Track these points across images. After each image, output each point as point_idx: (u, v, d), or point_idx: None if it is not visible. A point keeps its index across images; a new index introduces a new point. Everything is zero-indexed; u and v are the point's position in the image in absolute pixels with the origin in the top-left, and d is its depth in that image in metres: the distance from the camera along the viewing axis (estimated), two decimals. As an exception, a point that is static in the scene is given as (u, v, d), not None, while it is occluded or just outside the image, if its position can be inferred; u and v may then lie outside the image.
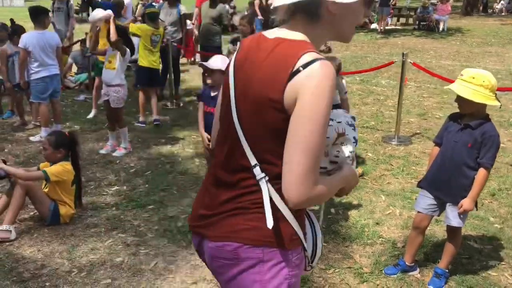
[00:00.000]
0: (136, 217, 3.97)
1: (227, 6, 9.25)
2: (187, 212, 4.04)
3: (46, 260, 3.35)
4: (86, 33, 8.34)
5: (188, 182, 4.69)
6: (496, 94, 2.76)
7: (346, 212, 4.06)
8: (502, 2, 23.77)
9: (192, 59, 11.19)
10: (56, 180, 3.76)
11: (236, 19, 15.64)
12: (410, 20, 18.99)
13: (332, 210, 4.08)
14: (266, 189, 1.37)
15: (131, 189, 4.54)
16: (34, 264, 3.30)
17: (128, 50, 5.28)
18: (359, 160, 5.24)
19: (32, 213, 4.01)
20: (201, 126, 3.97)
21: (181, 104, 7.76)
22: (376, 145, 5.76)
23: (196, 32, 9.22)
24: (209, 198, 1.51)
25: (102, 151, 5.48)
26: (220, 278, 1.52)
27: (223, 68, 3.85)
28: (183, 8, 8.00)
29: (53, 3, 9.49)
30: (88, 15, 20.56)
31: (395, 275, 3.16)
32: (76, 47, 9.19)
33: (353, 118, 1.60)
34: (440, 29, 16.60)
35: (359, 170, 4.80)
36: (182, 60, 10.16)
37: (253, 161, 1.39)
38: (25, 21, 8.01)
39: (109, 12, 5.47)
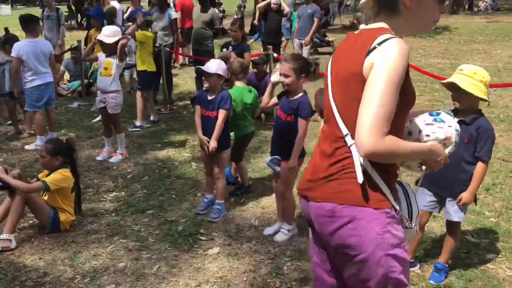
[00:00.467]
0: (136, 222, 3.99)
1: (216, 10, 9.29)
2: (187, 216, 4.07)
3: (48, 268, 3.35)
4: (78, 40, 8.33)
5: (186, 186, 4.71)
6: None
7: (344, 211, 4.10)
8: (486, 0, 24.10)
9: (180, 63, 11.25)
10: (56, 188, 3.77)
11: (225, 23, 15.71)
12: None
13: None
14: (356, 153, 1.61)
15: (129, 194, 4.55)
16: (37, 272, 3.30)
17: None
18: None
19: (31, 222, 4.01)
20: (199, 129, 4.00)
21: (175, 109, 7.78)
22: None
23: (179, 35, 9.31)
24: (314, 167, 1.80)
25: (99, 158, 5.49)
26: (324, 232, 1.73)
27: (220, 72, 3.89)
28: (173, 13, 8.04)
29: (43, 11, 9.48)
30: (77, 22, 20.57)
31: (396, 271, 3.20)
32: (68, 55, 9.17)
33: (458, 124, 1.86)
34: (428, 28, 16.77)
35: None
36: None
37: (345, 131, 1.65)
38: (13, 30, 8.00)
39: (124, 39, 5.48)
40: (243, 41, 6.39)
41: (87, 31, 9.00)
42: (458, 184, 2.92)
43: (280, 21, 9.46)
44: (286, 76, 3.36)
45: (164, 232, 3.80)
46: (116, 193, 4.59)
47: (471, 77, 2.77)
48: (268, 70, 6.84)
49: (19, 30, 5.79)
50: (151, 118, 6.87)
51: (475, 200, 2.99)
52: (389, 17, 1.68)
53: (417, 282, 3.12)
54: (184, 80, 9.85)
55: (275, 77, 3.58)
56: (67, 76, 9.11)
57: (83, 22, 18.40)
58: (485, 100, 2.80)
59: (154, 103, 7.34)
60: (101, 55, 5.35)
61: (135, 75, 8.20)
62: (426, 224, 3.31)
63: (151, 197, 4.47)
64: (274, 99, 3.66)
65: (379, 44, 1.56)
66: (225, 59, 5.30)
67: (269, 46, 7.05)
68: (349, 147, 1.64)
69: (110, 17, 7.64)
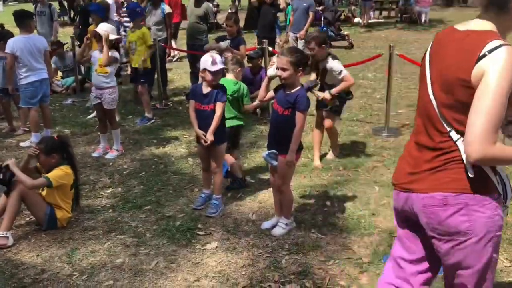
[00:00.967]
0: (133, 218, 3.98)
1: (210, 5, 9.24)
2: (185, 211, 4.06)
3: (46, 265, 3.34)
4: (71, 37, 8.27)
5: (183, 181, 4.70)
6: None
7: (341, 204, 4.12)
8: (481, -8, 24.08)
9: (172, 56, 11.20)
10: (57, 185, 3.75)
11: (220, 18, 15.64)
12: (393, 13, 19.14)
13: (328, 203, 4.13)
14: (462, 147, 1.72)
15: (126, 190, 4.54)
16: (34, 269, 3.29)
17: (117, 55, 5.34)
18: (350, 153, 5.31)
19: (28, 219, 3.99)
20: (195, 124, 3.96)
21: (170, 104, 7.75)
22: (366, 138, 5.83)
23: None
24: (413, 160, 1.91)
25: (95, 154, 5.47)
26: (432, 222, 1.83)
27: (223, 66, 3.92)
28: (167, 8, 8.00)
29: (35, 7, 9.41)
30: (70, 18, 20.40)
31: (394, 264, 3.21)
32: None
33: None
34: (422, 20, 16.76)
35: None
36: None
37: (449, 127, 1.77)
38: (6, 26, 7.91)
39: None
40: (238, 35, 6.37)
41: (80, 27, 8.92)
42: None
43: (275, 15, 9.40)
44: (283, 69, 3.34)
45: (161, 228, 3.80)
46: (112, 189, 4.57)
47: None
48: (263, 64, 6.82)
49: (12, 26, 5.73)
50: (146, 114, 6.84)
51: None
52: (498, 16, 1.73)
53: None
54: (179, 76, 9.81)
55: (271, 70, 3.57)
56: (61, 72, 9.05)
57: (75, 17, 18.26)
58: None
59: (150, 98, 7.31)
60: (95, 52, 5.32)
61: (128, 71, 8.15)
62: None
63: (148, 193, 4.46)
64: (271, 93, 3.64)
65: (490, 51, 1.62)
66: (221, 51, 5.29)
67: (264, 40, 7.02)
68: (454, 142, 1.76)
69: (105, 13, 7.57)
